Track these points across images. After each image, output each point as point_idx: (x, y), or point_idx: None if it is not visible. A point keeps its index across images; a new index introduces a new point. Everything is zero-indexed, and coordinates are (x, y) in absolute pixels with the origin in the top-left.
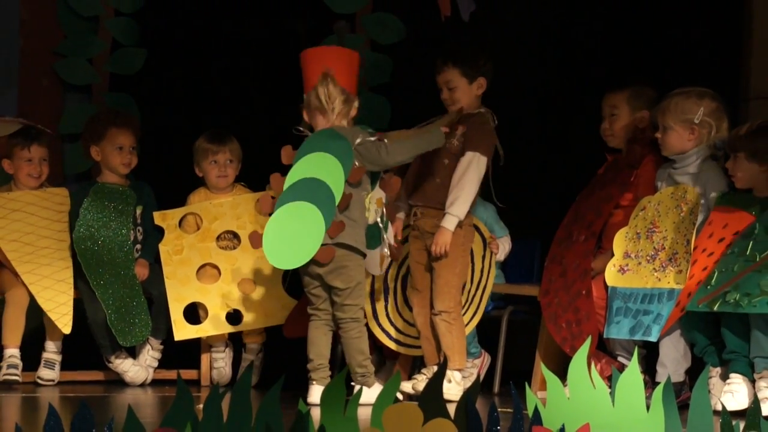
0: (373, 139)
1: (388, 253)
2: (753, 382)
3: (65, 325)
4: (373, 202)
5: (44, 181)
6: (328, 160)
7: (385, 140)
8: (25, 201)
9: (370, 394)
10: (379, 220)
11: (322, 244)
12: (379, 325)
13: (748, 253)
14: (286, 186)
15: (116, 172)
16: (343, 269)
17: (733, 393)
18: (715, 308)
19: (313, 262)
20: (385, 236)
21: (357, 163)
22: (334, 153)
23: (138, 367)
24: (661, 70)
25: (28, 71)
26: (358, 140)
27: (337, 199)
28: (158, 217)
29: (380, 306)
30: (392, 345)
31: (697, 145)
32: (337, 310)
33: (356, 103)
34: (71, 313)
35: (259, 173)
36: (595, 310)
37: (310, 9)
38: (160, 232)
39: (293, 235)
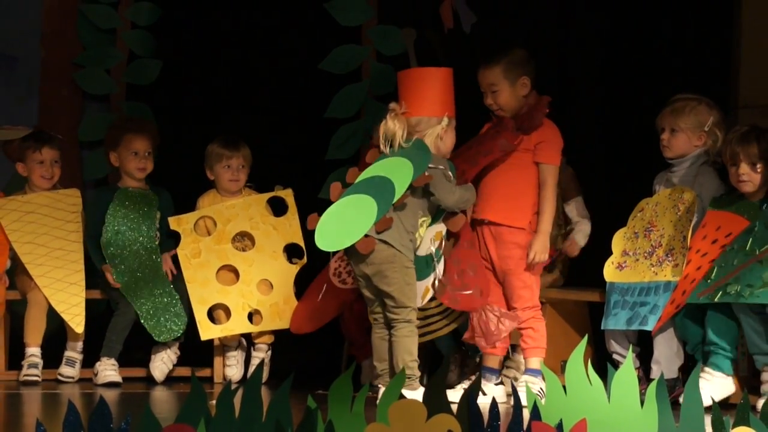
0: (450, 175)
1: (434, 287)
2: (730, 376)
3: (78, 325)
4: (431, 234)
5: (56, 182)
6: (402, 163)
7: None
8: (39, 203)
9: (413, 396)
10: (434, 251)
11: (366, 235)
12: None
13: (747, 248)
14: (358, 180)
15: (132, 176)
16: (387, 271)
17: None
18: (716, 299)
19: (355, 253)
20: (436, 269)
21: (427, 173)
22: (411, 158)
23: (162, 365)
24: (652, 78)
25: (49, 81)
26: (432, 165)
27: (397, 197)
28: (173, 223)
29: None
30: None
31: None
32: (388, 311)
33: (443, 123)
34: (83, 313)
35: (266, 178)
36: (480, 262)
37: (318, 22)
38: (174, 238)
39: (344, 222)
